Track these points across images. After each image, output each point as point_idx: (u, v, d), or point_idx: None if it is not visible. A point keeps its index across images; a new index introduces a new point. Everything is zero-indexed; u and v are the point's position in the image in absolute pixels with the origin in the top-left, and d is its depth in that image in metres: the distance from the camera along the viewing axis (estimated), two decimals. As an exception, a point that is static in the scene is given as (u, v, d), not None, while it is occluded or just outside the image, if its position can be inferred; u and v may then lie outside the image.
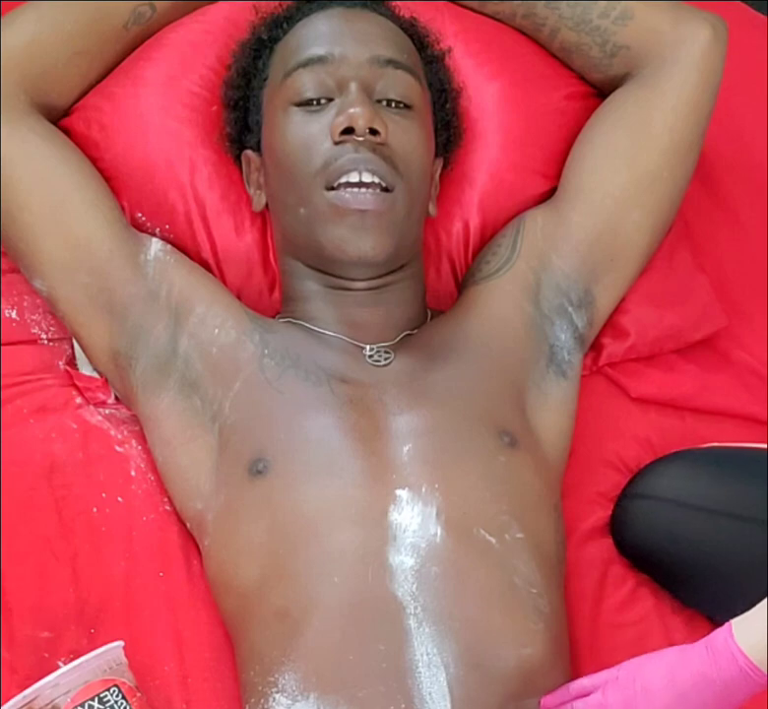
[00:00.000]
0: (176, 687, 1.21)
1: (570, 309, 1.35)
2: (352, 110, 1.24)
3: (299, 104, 1.29)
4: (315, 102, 1.28)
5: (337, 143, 1.25)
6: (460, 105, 1.42)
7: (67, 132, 1.38)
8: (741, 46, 1.50)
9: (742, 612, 1.07)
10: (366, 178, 1.24)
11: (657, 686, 1.04)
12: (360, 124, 1.23)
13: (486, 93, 1.43)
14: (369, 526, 1.15)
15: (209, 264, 1.38)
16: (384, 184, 1.25)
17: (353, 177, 1.24)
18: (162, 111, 1.38)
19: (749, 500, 1.25)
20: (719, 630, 1.04)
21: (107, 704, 1.12)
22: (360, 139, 1.24)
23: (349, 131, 1.24)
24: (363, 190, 1.24)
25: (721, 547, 1.25)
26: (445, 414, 1.22)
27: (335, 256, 1.26)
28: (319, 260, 1.30)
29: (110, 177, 1.37)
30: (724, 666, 1.02)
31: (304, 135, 1.27)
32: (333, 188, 1.25)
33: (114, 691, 1.13)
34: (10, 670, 1.18)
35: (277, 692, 1.12)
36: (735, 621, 1.04)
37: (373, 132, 1.24)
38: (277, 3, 1.41)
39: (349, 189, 1.24)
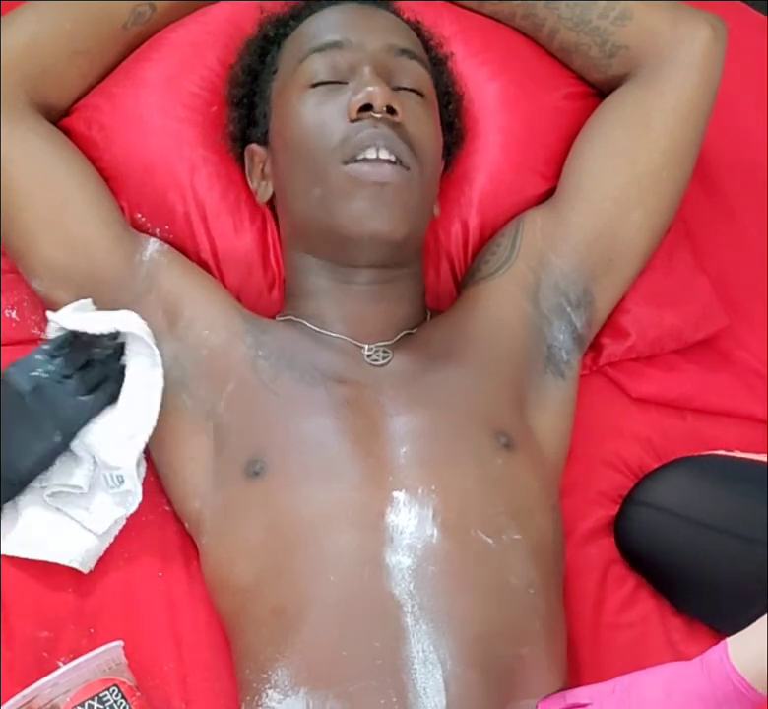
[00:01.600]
0: (176, 687, 1.21)
1: (569, 309, 1.35)
2: (370, 88, 1.24)
3: (314, 86, 1.28)
4: (330, 84, 1.28)
5: (353, 121, 1.24)
6: (462, 108, 1.42)
7: (67, 132, 1.38)
8: (741, 46, 1.50)
9: (733, 623, 1.07)
10: (384, 155, 1.23)
11: (651, 701, 1.04)
12: (379, 102, 1.23)
13: (486, 93, 1.43)
14: (366, 528, 1.15)
15: (208, 264, 1.38)
16: (402, 162, 1.24)
17: (371, 153, 1.23)
18: (162, 112, 1.38)
19: (747, 519, 1.25)
20: (715, 648, 1.04)
21: (107, 704, 1.12)
22: (378, 116, 1.23)
23: (366, 108, 1.23)
24: (382, 163, 1.23)
25: (714, 563, 1.25)
26: (442, 415, 1.22)
27: (351, 232, 1.24)
28: (331, 242, 1.28)
29: (110, 177, 1.37)
30: (718, 683, 1.02)
31: (320, 115, 1.26)
32: (350, 162, 1.24)
33: (114, 691, 1.13)
34: (10, 669, 1.18)
35: (269, 688, 1.12)
36: (730, 640, 1.04)
37: (390, 111, 1.24)
38: (282, 3, 1.42)
39: (367, 162, 1.23)
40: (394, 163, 1.24)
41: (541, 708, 1.11)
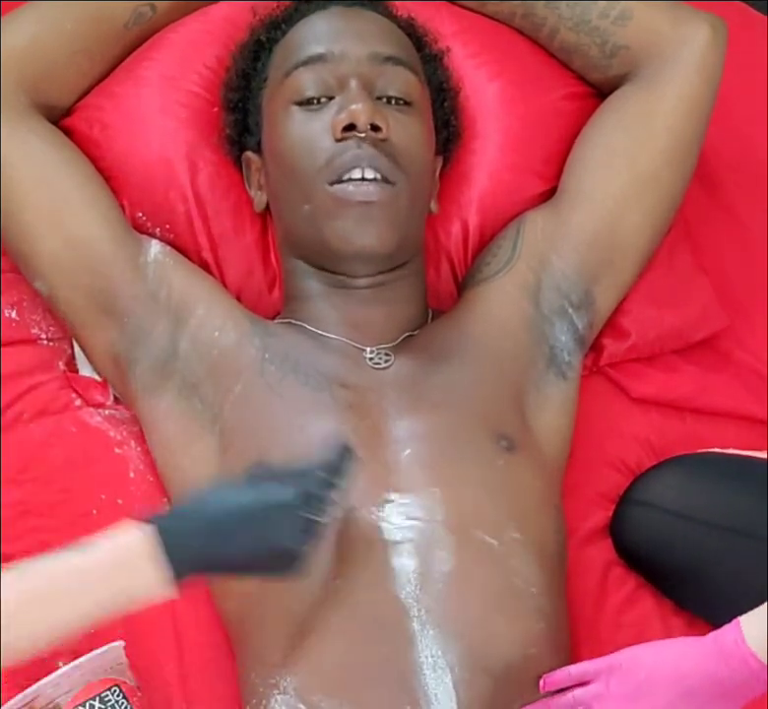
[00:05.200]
0: (177, 687, 1.21)
1: (571, 310, 1.35)
2: (353, 107, 1.24)
3: (300, 103, 1.29)
4: (316, 101, 1.28)
5: (339, 140, 1.25)
6: (459, 104, 1.42)
7: (68, 131, 1.38)
8: (741, 46, 1.50)
9: (731, 619, 1.06)
10: (369, 175, 1.24)
11: (663, 681, 1.04)
12: (362, 120, 1.23)
13: (485, 93, 1.43)
14: (371, 530, 1.15)
15: (209, 263, 1.38)
16: (387, 179, 1.25)
17: (356, 174, 1.24)
18: (163, 111, 1.39)
19: (744, 514, 1.25)
20: (727, 629, 1.04)
21: (108, 704, 1.12)
22: (362, 135, 1.24)
23: (350, 128, 1.24)
24: (367, 183, 1.24)
25: (713, 560, 1.25)
26: (444, 418, 1.22)
27: (340, 249, 1.26)
28: (323, 256, 1.29)
29: (111, 177, 1.37)
30: (735, 667, 1.01)
31: (306, 133, 1.27)
32: (335, 183, 1.25)
33: (115, 691, 1.13)
34: (10, 670, 1.17)
35: (279, 694, 1.12)
36: (743, 619, 1.04)
37: (375, 128, 1.24)
38: (275, 4, 1.42)
39: (352, 182, 1.24)
40: (379, 181, 1.24)
41: (545, 683, 1.11)
